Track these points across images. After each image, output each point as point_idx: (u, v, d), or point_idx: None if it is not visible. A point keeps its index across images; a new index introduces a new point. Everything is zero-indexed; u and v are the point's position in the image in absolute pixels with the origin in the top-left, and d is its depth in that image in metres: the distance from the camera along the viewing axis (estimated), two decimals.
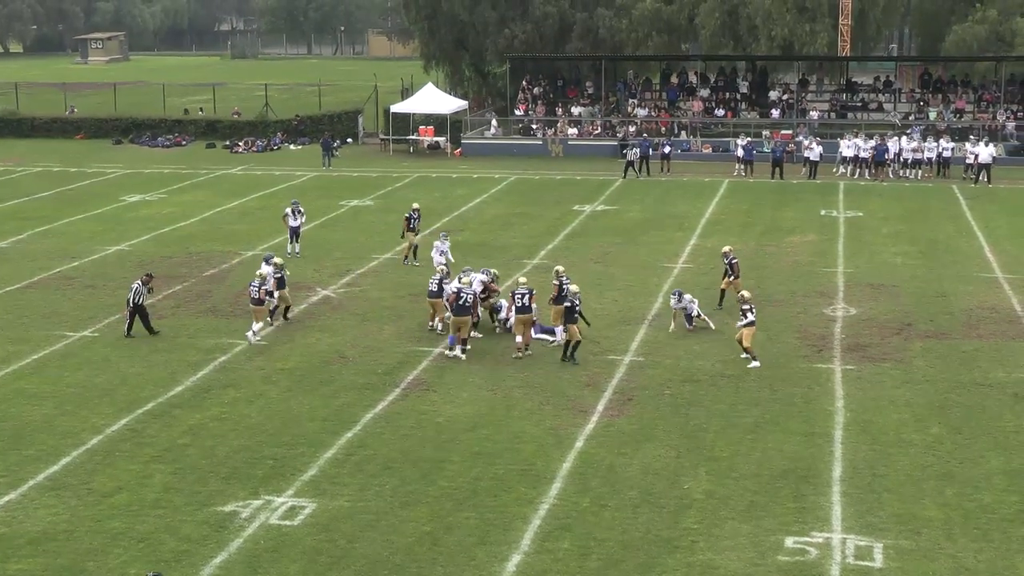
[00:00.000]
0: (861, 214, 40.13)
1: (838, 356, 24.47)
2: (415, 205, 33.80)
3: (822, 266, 32.55)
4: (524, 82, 61.58)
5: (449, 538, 16.37)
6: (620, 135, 55.08)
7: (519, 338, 24.47)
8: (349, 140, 61.17)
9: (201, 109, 69.75)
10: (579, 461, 19.02)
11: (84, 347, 25.49)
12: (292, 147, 60.22)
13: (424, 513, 17.14)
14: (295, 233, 33.80)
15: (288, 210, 34.00)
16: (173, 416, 21.20)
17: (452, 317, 24.57)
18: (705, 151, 54.11)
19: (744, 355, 23.93)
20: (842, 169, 48.30)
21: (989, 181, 45.55)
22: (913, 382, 22.76)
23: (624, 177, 47.53)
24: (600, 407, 21.53)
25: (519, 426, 20.60)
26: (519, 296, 24.43)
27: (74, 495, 17.83)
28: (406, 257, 32.65)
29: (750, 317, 23.63)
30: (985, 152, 46.29)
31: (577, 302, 24.05)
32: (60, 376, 23.52)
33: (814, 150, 47.70)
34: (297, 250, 33.80)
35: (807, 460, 18.97)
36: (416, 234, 32.71)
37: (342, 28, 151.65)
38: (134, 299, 25.93)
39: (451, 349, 24.37)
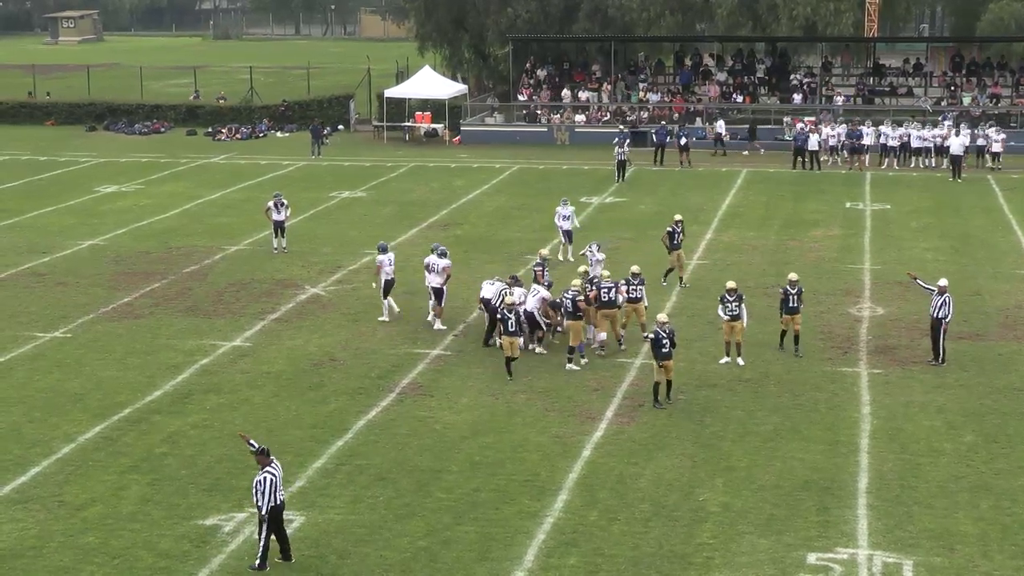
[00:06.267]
0: (889, 207, 40.12)
1: (864, 359, 24.47)
2: (678, 217, 30.98)
3: (847, 262, 32.55)
4: (528, 65, 61.56)
5: (447, 553, 16.37)
6: (631, 120, 55.05)
7: (602, 335, 24.53)
8: (340, 127, 61.18)
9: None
10: (586, 471, 19.03)
11: (55, 349, 25.49)
12: (279, 134, 60.22)
13: (420, 527, 17.14)
14: (280, 227, 33.83)
15: (271, 203, 34.00)
16: (151, 423, 21.20)
17: (567, 322, 24.06)
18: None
19: (727, 358, 24.11)
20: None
21: (959, 174, 44.77)
22: (945, 387, 22.75)
23: (617, 180, 44.94)
24: (609, 413, 21.53)
25: (522, 434, 20.60)
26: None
27: (44, 508, 17.83)
28: (666, 275, 29.98)
29: (744, 309, 23.95)
30: (957, 142, 45.70)
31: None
32: (29, 380, 23.52)
33: (838, 137, 47.76)
34: (284, 245, 33.84)
35: (831, 471, 18.97)
36: (680, 251, 30.04)
37: (332, 7, 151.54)
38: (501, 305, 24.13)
39: (582, 357, 24.08)
